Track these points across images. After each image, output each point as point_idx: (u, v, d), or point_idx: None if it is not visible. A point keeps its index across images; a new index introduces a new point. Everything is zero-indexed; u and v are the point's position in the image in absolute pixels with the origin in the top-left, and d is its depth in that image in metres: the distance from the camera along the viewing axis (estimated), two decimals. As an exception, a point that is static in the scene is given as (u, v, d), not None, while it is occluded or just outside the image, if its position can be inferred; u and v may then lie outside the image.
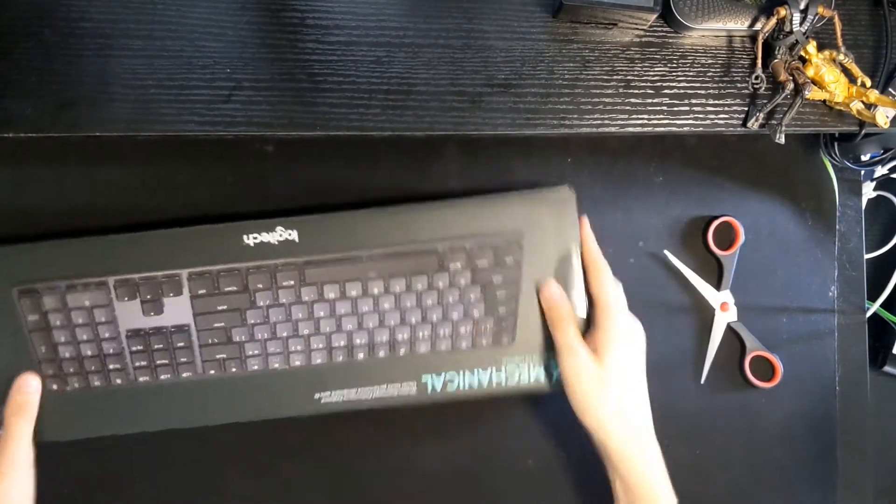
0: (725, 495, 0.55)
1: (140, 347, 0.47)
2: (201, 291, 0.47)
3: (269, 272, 0.46)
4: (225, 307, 0.47)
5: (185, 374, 0.47)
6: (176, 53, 0.45)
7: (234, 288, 0.47)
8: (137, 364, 0.47)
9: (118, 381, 0.47)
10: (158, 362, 0.47)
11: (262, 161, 0.51)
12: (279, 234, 0.46)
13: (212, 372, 0.47)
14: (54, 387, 0.46)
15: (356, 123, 0.46)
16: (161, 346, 0.47)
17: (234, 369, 0.47)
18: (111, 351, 0.46)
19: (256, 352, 0.47)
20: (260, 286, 0.47)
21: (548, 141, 0.54)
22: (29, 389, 0.45)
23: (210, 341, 0.47)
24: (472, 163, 0.53)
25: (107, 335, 0.46)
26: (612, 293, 0.47)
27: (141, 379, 0.47)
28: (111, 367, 0.47)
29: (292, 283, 0.47)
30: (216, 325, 0.47)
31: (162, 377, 0.47)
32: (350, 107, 0.46)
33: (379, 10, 0.47)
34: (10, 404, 0.45)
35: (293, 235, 0.46)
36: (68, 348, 0.46)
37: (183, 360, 0.47)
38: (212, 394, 0.48)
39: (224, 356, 0.47)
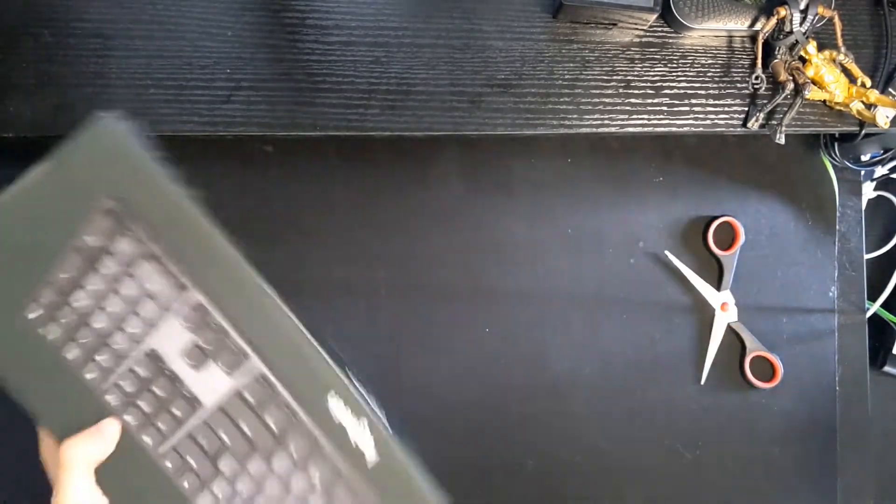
0: (725, 495, 0.55)
1: (143, 373, 0.36)
2: (246, 396, 0.36)
3: (319, 462, 0.35)
4: (245, 435, 0.36)
5: (144, 437, 0.36)
6: (175, 54, 0.45)
7: (273, 430, 0.36)
8: (120, 381, 0.36)
9: (89, 374, 0.36)
10: (139, 402, 0.36)
11: (262, 161, 0.51)
12: (363, 436, 0.35)
13: (166, 464, 0.36)
14: (33, 315, 0.35)
15: (355, 123, 0.46)
16: (161, 394, 0.36)
17: (185, 484, 0.36)
18: (116, 345, 0.36)
19: (219, 496, 0.36)
20: (291, 459, 0.36)
21: (548, 141, 0.54)
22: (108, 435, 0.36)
23: (200, 443, 0.36)
24: (472, 163, 0.53)
25: (129, 329, 0.36)
26: None
27: (106, 397, 0.36)
28: (99, 358, 0.36)
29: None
30: (223, 438, 0.36)
31: (125, 416, 0.36)
32: (349, 107, 0.46)
33: (378, 11, 0.47)
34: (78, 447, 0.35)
35: (370, 453, 0.35)
36: (84, 299, 0.35)
37: (159, 426, 0.36)
38: (143, 474, 0.36)
39: (193, 468, 0.36)
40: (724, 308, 0.55)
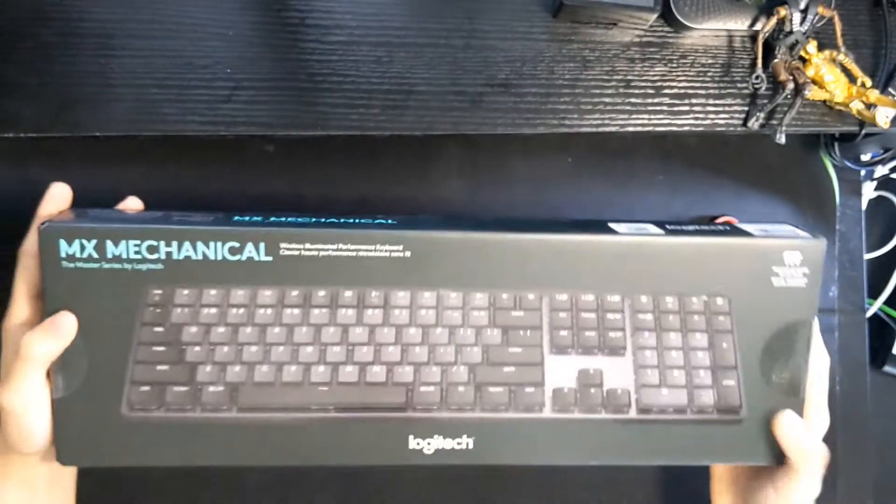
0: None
1: None
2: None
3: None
4: None
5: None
6: (176, 53, 0.45)
7: None
8: None
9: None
10: None
11: (263, 161, 0.51)
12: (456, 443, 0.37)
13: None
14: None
15: (356, 123, 0.46)
16: None
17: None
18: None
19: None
20: None
21: (548, 141, 0.54)
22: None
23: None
24: (472, 162, 0.53)
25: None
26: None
27: None
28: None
29: None
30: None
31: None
32: (350, 107, 0.46)
33: (380, 10, 0.47)
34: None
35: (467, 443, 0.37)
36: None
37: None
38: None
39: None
40: (725, 308, 0.55)
